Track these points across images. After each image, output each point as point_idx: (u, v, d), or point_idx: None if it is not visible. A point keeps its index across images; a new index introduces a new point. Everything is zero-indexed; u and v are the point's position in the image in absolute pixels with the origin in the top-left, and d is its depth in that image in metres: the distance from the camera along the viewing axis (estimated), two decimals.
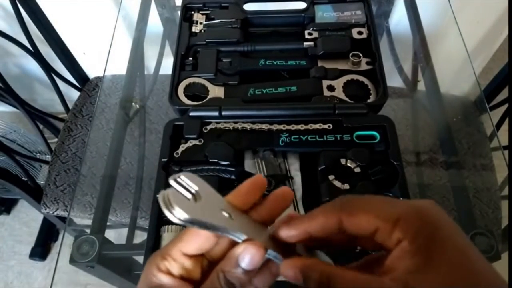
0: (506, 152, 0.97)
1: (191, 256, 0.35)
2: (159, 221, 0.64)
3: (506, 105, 1.11)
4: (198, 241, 0.35)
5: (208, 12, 0.90)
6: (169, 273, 0.35)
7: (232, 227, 0.34)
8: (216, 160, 0.68)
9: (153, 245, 0.62)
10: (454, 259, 0.29)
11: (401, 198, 0.62)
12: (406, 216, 0.31)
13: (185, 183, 0.34)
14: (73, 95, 1.34)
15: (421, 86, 1.05)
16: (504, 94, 1.13)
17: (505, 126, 1.11)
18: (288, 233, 0.35)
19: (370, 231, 0.32)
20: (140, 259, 0.84)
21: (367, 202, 0.34)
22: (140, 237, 1.15)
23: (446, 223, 0.31)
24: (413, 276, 0.29)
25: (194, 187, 0.34)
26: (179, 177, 0.34)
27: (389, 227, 0.31)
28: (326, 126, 0.71)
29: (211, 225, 0.33)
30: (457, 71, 1.10)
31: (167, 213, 0.32)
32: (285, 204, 0.37)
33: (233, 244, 0.35)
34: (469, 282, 0.29)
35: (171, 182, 0.34)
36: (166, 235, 0.62)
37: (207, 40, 0.85)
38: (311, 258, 0.35)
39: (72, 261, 0.70)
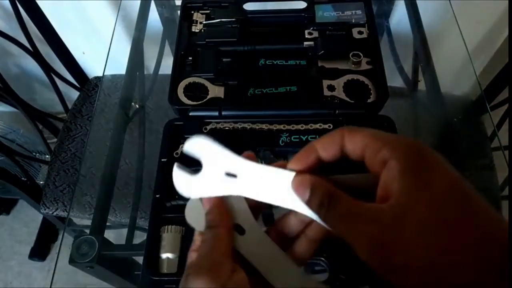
0: (507, 152, 0.96)
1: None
2: (159, 221, 0.64)
3: (507, 105, 1.11)
4: None
5: (208, 11, 0.90)
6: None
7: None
8: None
9: (153, 245, 0.62)
10: (446, 181, 0.29)
11: None
12: (396, 140, 0.32)
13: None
14: (72, 95, 1.34)
15: (421, 86, 1.05)
16: (504, 94, 1.13)
17: (505, 126, 1.11)
18: (302, 159, 0.36)
19: (362, 153, 0.33)
20: (139, 259, 0.84)
21: (365, 129, 0.34)
22: (140, 237, 1.15)
23: (437, 155, 0.31)
24: (406, 197, 0.29)
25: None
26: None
27: (379, 145, 0.31)
28: (326, 126, 0.71)
29: None
30: (458, 71, 1.10)
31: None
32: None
33: None
34: (464, 204, 0.29)
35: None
36: (166, 235, 0.62)
37: (207, 40, 0.85)
38: (320, 177, 0.35)
39: (72, 261, 0.70)
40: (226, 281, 0.33)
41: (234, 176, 0.36)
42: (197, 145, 0.37)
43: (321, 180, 0.34)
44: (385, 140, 0.32)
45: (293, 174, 0.35)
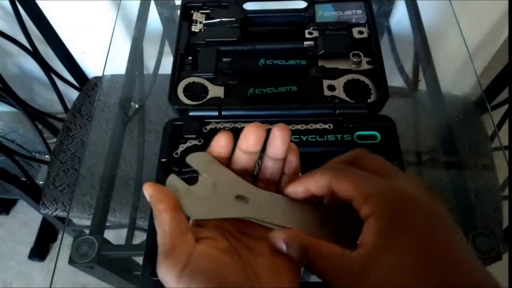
0: (507, 152, 0.96)
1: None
2: None
3: (507, 105, 1.11)
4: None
5: (207, 11, 0.90)
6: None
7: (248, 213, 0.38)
8: None
9: (153, 245, 0.62)
10: (411, 244, 0.31)
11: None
12: (377, 194, 0.33)
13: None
14: (72, 95, 1.34)
15: (422, 85, 1.05)
16: (505, 94, 1.13)
17: (506, 126, 1.11)
18: (293, 189, 0.39)
19: (348, 199, 0.35)
20: (139, 259, 0.84)
21: (352, 172, 0.37)
22: (140, 237, 1.15)
23: (417, 207, 0.33)
24: (374, 253, 0.31)
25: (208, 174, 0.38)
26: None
27: (361, 200, 0.34)
28: (326, 126, 0.71)
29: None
30: (458, 70, 1.10)
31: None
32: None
33: None
34: (423, 270, 0.30)
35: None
36: None
37: (206, 40, 0.85)
38: (296, 230, 0.37)
39: (71, 261, 0.70)
40: (186, 260, 0.34)
41: (243, 199, 0.38)
42: (211, 165, 0.38)
43: (295, 233, 0.36)
44: (368, 194, 0.34)
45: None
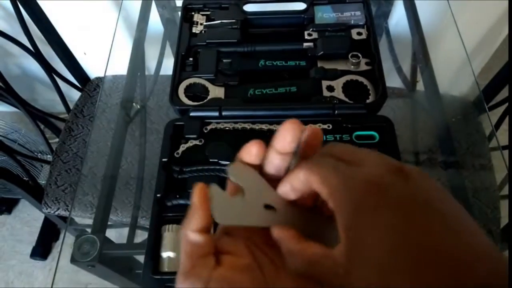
0: (505, 152, 0.97)
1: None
2: (160, 220, 0.65)
3: (505, 105, 1.12)
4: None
5: (208, 13, 0.91)
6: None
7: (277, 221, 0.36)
8: (216, 160, 0.69)
9: (154, 244, 0.63)
10: (381, 243, 0.28)
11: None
12: (340, 187, 0.31)
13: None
14: (74, 95, 1.34)
15: (420, 86, 1.05)
16: (502, 94, 1.13)
17: (504, 126, 1.12)
18: (282, 189, 0.36)
19: (317, 191, 0.32)
20: (141, 258, 0.84)
21: (320, 162, 0.33)
22: (141, 236, 1.15)
23: (381, 197, 0.29)
24: (350, 253, 0.29)
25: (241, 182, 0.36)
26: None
27: (328, 193, 0.31)
28: (325, 126, 0.72)
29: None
30: (456, 71, 1.10)
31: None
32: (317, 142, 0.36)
33: None
34: (398, 269, 0.27)
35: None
36: (167, 234, 0.62)
37: (207, 41, 0.85)
38: (290, 232, 0.35)
39: (73, 260, 0.71)
40: (204, 283, 0.33)
41: (272, 208, 0.36)
42: (244, 174, 0.36)
43: (286, 234, 0.35)
44: (331, 188, 0.31)
45: None
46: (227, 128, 0.73)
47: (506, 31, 1.29)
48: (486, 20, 1.27)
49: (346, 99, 0.76)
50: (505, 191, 1.04)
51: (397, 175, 0.31)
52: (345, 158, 0.33)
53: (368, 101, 0.76)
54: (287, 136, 0.35)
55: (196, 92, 0.79)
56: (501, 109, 1.13)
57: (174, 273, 0.60)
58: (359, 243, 0.29)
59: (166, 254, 0.61)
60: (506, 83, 1.11)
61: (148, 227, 0.65)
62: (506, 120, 1.11)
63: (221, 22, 0.88)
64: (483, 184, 1.02)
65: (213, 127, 0.73)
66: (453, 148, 1.01)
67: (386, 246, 0.28)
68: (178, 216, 0.65)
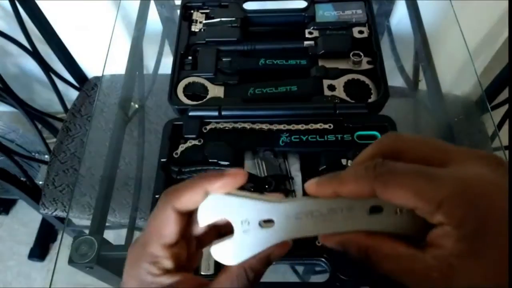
0: (507, 152, 0.96)
1: (174, 244, 0.34)
2: None
3: (508, 105, 1.11)
4: (179, 225, 0.34)
5: (207, 11, 0.90)
6: (166, 271, 0.33)
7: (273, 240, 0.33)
8: (215, 161, 0.68)
9: None
10: (503, 253, 0.26)
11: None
12: (450, 201, 0.27)
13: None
14: (71, 95, 1.34)
15: (422, 85, 1.04)
16: (505, 94, 1.13)
17: (506, 126, 1.11)
18: (319, 190, 0.32)
19: (408, 207, 0.29)
20: None
21: (406, 175, 0.28)
22: None
23: (500, 207, 0.27)
24: (457, 260, 0.27)
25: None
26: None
27: (430, 208, 0.27)
28: (326, 126, 0.71)
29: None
30: (459, 70, 1.09)
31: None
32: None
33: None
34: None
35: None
36: None
37: (206, 39, 0.84)
38: (348, 234, 0.32)
39: (71, 262, 0.70)
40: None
41: (270, 221, 0.33)
42: (215, 207, 0.33)
43: (346, 239, 0.32)
44: (437, 200, 0.27)
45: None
46: (226, 128, 0.72)
47: (508, 31, 1.29)
48: (489, 19, 1.26)
49: (348, 99, 0.75)
50: (508, 191, 1.03)
51: (498, 168, 0.28)
52: (431, 159, 0.29)
53: (369, 100, 0.75)
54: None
55: (195, 92, 0.78)
56: (504, 108, 1.12)
57: None
58: (476, 255, 0.26)
59: None
60: (508, 83, 1.10)
61: None
62: (509, 120, 1.10)
63: (221, 20, 0.87)
64: None
65: (213, 126, 0.72)
66: None
67: (502, 265, 0.26)
68: None
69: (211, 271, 0.61)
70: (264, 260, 0.33)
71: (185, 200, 0.33)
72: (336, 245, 0.33)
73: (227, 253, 0.33)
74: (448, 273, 0.27)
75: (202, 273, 0.61)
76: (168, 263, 0.33)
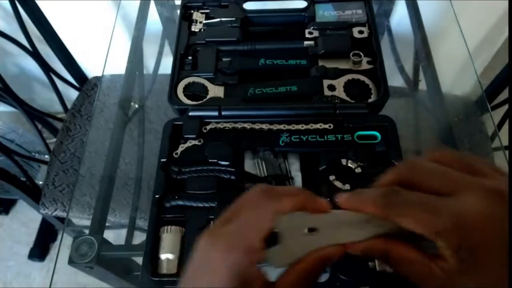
0: (508, 152, 0.96)
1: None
2: (158, 221, 0.63)
3: (508, 105, 1.11)
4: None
5: (207, 11, 0.90)
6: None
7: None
8: (215, 160, 0.68)
9: (153, 246, 0.62)
10: (493, 272, 0.31)
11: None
12: (447, 231, 0.32)
13: None
14: (71, 94, 1.34)
15: (422, 85, 1.04)
16: (505, 94, 1.13)
17: (506, 126, 1.11)
18: (345, 207, 0.38)
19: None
20: (139, 260, 0.83)
21: (412, 206, 0.34)
22: (139, 238, 1.14)
23: (489, 239, 0.32)
24: (457, 275, 0.32)
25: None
26: None
27: (432, 236, 0.32)
28: (326, 126, 0.71)
29: None
30: (459, 70, 1.09)
31: None
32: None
33: None
34: None
35: None
36: (166, 236, 0.61)
37: (206, 39, 0.84)
38: (369, 241, 0.37)
39: (71, 262, 0.70)
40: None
41: (315, 230, 0.38)
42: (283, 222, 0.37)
43: (369, 246, 0.37)
44: (436, 231, 0.32)
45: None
46: (226, 128, 0.72)
47: (507, 31, 1.29)
48: (489, 19, 1.26)
49: (348, 99, 0.75)
50: (508, 191, 1.03)
51: (497, 202, 0.32)
52: (439, 188, 0.34)
53: (370, 100, 0.75)
54: None
55: (195, 92, 0.78)
56: (504, 108, 1.12)
57: (173, 275, 0.60)
58: (470, 276, 0.32)
59: (164, 256, 0.60)
60: (508, 83, 1.10)
61: (146, 228, 0.63)
62: (509, 120, 1.10)
63: (221, 21, 0.87)
64: None
65: (213, 127, 0.72)
66: (455, 148, 1.00)
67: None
68: (177, 217, 0.64)
69: None
70: (321, 260, 0.36)
71: (284, 207, 0.37)
72: (362, 251, 0.37)
73: (279, 257, 0.37)
74: (450, 283, 0.32)
75: None
76: (261, 257, 0.35)
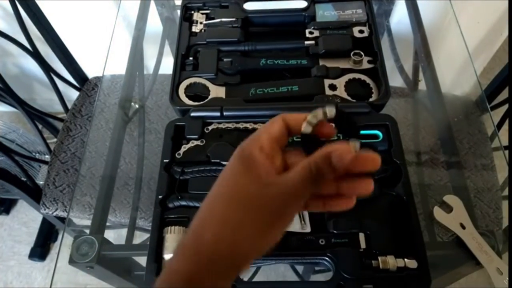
0: (507, 152, 0.96)
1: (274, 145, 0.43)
2: (162, 222, 0.64)
3: (507, 105, 1.11)
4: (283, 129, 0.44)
5: (208, 11, 0.90)
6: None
7: None
8: (218, 160, 0.68)
9: (156, 246, 0.62)
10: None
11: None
12: None
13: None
14: (72, 95, 1.34)
15: (422, 85, 1.05)
16: (505, 94, 1.13)
17: (506, 126, 1.11)
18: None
19: None
20: (139, 259, 0.84)
21: None
22: (140, 237, 1.15)
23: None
24: None
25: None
26: None
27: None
28: None
29: None
30: (458, 70, 1.10)
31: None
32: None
33: None
34: None
35: None
36: (169, 236, 0.61)
37: (207, 40, 0.85)
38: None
39: (72, 261, 0.70)
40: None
41: None
42: None
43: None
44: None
45: None
46: (228, 128, 0.72)
47: (507, 31, 1.29)
48: (488, 19, 1.27)
49: (349, 98, 0.75)
50: (507, 191, 1.03)
51: None
52: None
53: (370, 99, 0.75)
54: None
55: (196, 92, 0.78)
56: (503, 108, 1.12)
57: None
58: None
59: (168, 256, 0.60)
60: (508, 83, 1.11)
61: (146, 228, 0.64)
62: (508, 120, 1.10)
63: (221, 21, 0.87)
64: (485, 184, 1.01)
65: (215, 127, 0.72)
66: (455, 148, 1.00)
67: None
68: (180, 217, 0.64)
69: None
70: (325, 158, 0.39)
71: (294, 117, 0.44)
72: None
73: None
74: None
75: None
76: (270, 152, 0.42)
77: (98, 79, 1.32)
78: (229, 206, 0.40)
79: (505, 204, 1.00)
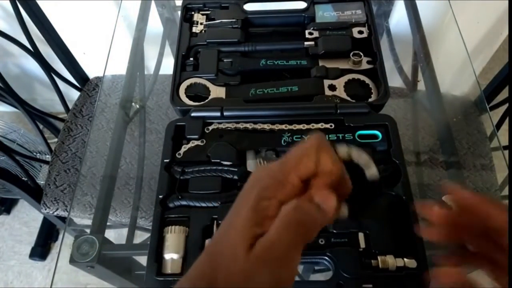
0: (506, 152, 0.97)
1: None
2: (162, 222, 0.64)
3: (506, 105, 1.12)
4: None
5: (208, 12, 0.90)
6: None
7: None
8: (218, 161, 0.68)
9: (156, 245, 0.62)
10: None
11: None
12: None
13: None
14: (73, 95, 1.34)
15: (421, 86, 1.05)
16: (504, 94, 1.13)
17: (505, 126, 1.11)
18: None
19: None
20: (140, 259, 0.84)
21: None
22: (140, 237, 1.15)
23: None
24: None
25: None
26: None
27: None
28: (328, 126, 0.71)
29: None
30: (457, 71, 1.10)
31: None
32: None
33: None
34: None
35: None
36: (170, 236, 0.62)
37: (207, 41, 0.85)
38: None
39: (72, 261, 0.70)
40: None
41: None
42: None
43: None
44: None
45: None
46: (229, 128, 0.72)
47: (506, 32, 1.29)
48: (487, 20, 1.27)
49: (348, 98, 0.75)
50: (507, 191, 1.04)
51: None
52: None
53: (370, 100, 0.75)
54: None
55: (197, 92, 0.78)
56: (502, 108, 1.13)
57: (177, 275, 0.60)
58: None
59: (169, 256, 0.61)
60: (507, 83, 1.11)
61: (147, 227, 0.64)
62: (507, 120, 1.10)
63: (221, 22, 0.88)
64: (484, 184, 1.02)
65: (215, 127, 0.72)
66: (454, 148, 1.01)
67: None
68: (181, 217, 0.64)
69: None
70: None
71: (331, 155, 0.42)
72: None
73: None
74: None
75: None
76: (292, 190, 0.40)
77: (99, 79, 1.33)
78: None
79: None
